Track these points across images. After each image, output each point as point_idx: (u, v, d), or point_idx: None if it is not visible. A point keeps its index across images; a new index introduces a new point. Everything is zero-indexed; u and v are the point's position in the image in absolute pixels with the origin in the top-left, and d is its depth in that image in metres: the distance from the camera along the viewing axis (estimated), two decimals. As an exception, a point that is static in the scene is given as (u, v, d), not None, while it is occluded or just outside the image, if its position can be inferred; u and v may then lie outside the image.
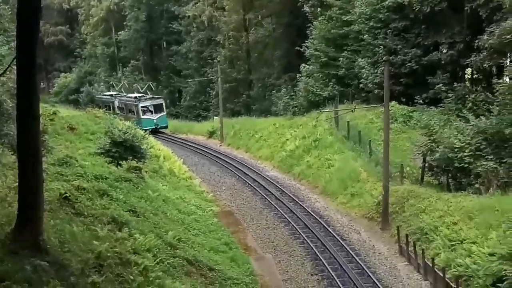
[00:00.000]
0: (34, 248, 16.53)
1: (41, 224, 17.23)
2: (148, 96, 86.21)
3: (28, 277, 15.38)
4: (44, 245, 16.87)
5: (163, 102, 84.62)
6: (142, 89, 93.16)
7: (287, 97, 73.35)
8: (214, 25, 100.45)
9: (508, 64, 50.26)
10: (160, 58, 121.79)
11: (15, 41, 17.55)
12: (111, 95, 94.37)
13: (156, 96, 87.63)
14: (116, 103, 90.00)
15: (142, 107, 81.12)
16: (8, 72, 24.23)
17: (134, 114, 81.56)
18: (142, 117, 79.95)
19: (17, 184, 18.34)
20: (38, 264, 15.98)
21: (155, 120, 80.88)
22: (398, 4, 57.41)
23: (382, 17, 59.70)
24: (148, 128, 73.82)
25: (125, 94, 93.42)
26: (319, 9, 72.33)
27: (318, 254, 32.89)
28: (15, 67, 18.42)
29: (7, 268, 15.43)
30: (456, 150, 37.17)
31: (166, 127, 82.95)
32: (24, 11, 16.54)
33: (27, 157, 16.98)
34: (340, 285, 28.93)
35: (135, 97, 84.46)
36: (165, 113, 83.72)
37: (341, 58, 66.17)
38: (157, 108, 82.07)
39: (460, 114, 47.27)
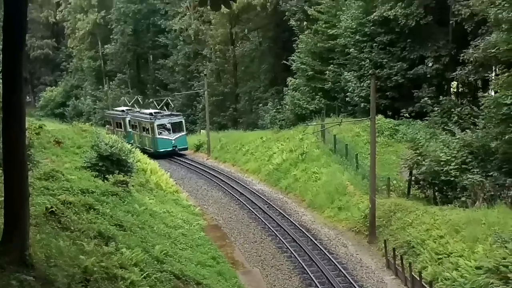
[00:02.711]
0: (20, 263, 16.40)
1: (27, 239, 17.10)
2: (165, 113, 75.75)
3: (14, 293, 15.27)
4: (30, 260, 16.73)
5: (182, 120, 74.16)
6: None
7: (274, 110, 73.47)
8: (200, 39, 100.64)
9: (493, 77, 50.58)
10: (146, 71, 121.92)
11: (1, 55, 17.50)
12: (122, 111, 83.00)
13: (175, 113, 77.45)
14: (128, 120, 78.81)
15: (158, 125, 71.01)
16: (-7, 86, 24.12)
17: (148, 133, 72.43)
18: (158, 137, 70.76)
19: (2, 198, 18.23)
20: (24, 279, 15.85)
21: (173, 141, 71.16)
22: (383, 18, 57.75)
23: (368, 30, 60.09)
24: (165, 150, 70.13)
25: (138, 109, 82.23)
26: (305, 23, 72.77)
27: (305, 268, 32.83)
28: (0, 81, 18.34)
29: (-7, 283, 15.32)
30: (442, 163, 37.38)
31: (186, 149, 73.01)
32: (10, 25, 16.49)
33: (13, 171, 16.87)
34: (328, 299, 28.92)
35: (150, 114, 74.09)
36: (185, 132, 73.59)
37: (327, 72, 66.43)
38: (176, 127, 71.87)
39: (446, 127, 47.56)
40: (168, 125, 71.58)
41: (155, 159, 63.68)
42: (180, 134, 71.99)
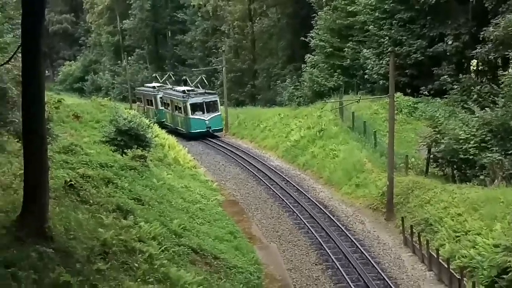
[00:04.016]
0: (39, 235, 16.58)
1: (47, 211, 17.26)
2: (199, 91, 70.84)
3: (34, 264, 15.44)
4: (49, 232, 16.91)
5: (217, 98, 69.22)
6: (192, 82, 78.02)
7: (292, 87, 73.32)
8: (219, 15, 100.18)
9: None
10: (165, 47, 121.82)
11: (20, 29, 17.54)
12: (153, 87, 79.73)
13: (209, 91, 71.96)
14: (160, 98, 75.23)
15: (191, 104, 66.31)
16: (13, 60, 24.22)
17: (181, 112, 68.18)
18: (191, 117, 66.05)
19: (22, 171, 18.38)
20: (43, 251, 16.03)
21: (207, 122, 66.23)
22: (403, -5, 57.36)
23: (387, 7, 59.65)
24: (198, 131, 65.95)
25: (170, 87, 78.20)
26: (324, -1, 72.22)
27: (322, 244, 32.90)
28: (20, 55, 18.41)
29: (13, 255, 15.48)
30: (461, 141, 37.24)
31: (220, 130, 68.52)
32: (29, 0, 16.53)
33: (33, 145, 17.01)
34: (345, 275, 28.95)
35: (183, 91, 69.26)
36: (219, 112, 68.43)
37: (346, 49, 66.11)
38: (210, 106, 66.92)
39: (465, 105, 47.34)
40: (202, 105, 66.68)
41: (188, 140, 63.45)
42: (215, 114, 67.25)
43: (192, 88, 73.34)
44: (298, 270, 30.29)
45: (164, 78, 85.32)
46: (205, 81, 79.48)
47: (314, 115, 58.31)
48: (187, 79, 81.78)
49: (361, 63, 63.38)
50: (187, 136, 65.79)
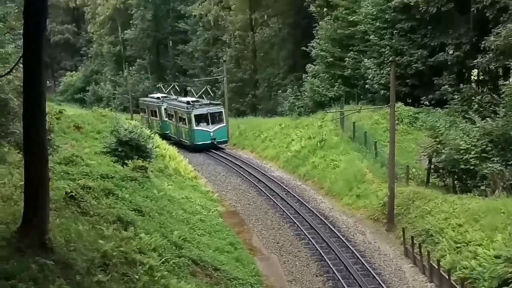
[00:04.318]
0: (39, 247, 16.54)
1: (47, 223, 17.24)
2: (204, 102, 70.03)
3: (34, 276, 15.39)
4: (49, 243, 16.87)
5: (222, 109, 67.61)
6: (197, 94, 76.05)
7: (293, 97, 73.19)
8: (220, 25, 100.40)
9: (514, 65, 50.20)
10: (166, 57, 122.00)
11: (22, 40, 17.56)
12: (158, 98, 78.71)
13: (214, 102, 71.18)
14: (164, 109, 74.25)
15: (195, 115, 65.02)
16: (14, 71, 24.25)
17: (185, 124, 66.97)
18: (196, 128, 64.82)
19: (23, 182, 18.36)
20: (43, 263, 15.99)
21: (211, 133, 64.96)
22: (404, 5, 57.40)
23: (388, 17, 59.73)
24: (202, 143, 64.81)
25: (175, 97, 77.78)
26: (325, 9, 72.44)
27: (323, 255, 32.82)
28: (21, 66, 18.42)
29: (13, 266, 15.44)
30: (462, 151, 37.14)
31: (225, 142, 67.14)
32: (31, 10, 16.54)
33: (33, 156, 16.99)
34: (345, 286, 28.85)
35: (188, 102, 68.36)
36: (224, 124, 66.74)
37: (347, 59, 66.19)
38: (215, 118, 65.56)
39: (466, 115, 47.24)
40: (207, 116, 65.22)
41: (192, 152, 63.03)
42: (220, 126, 65.84)
43: (197, 99, 72.11)
44: (298, 282, 30.21)
45: (169, 89, 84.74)
46: (210, 92, 78.82)
47: (315, 125, 58.36)
48: (192, 90, 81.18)
49: (362, 73, 63.53)
50: (191, 148, 65.19)
